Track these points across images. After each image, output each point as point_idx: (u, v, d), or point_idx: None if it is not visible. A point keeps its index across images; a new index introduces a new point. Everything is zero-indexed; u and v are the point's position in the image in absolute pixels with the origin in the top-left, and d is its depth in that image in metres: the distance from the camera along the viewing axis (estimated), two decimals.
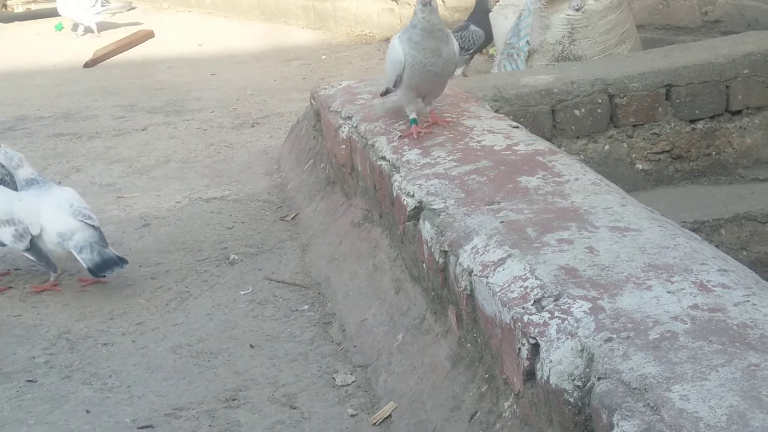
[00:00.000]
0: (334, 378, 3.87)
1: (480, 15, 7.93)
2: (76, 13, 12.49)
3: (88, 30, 12.54)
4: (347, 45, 11.12)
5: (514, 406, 2.93)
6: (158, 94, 9.27)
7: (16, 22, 13.79)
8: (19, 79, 10.41)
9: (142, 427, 3.63)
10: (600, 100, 5.55)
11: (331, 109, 5.37)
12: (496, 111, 5.14)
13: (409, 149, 4.33)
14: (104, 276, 4.74)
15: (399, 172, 4.15)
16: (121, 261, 4.70)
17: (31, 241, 4.73)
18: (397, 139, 4.44)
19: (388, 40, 10.89)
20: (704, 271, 2.86)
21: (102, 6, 12.42)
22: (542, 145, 4.29)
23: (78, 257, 4.65)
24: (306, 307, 4.52)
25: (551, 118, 5.53)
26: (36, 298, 4.79)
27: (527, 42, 7.07)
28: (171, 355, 4.17)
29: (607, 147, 5.58)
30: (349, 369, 3.92)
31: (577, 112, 5.53)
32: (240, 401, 3.76)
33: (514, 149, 4.20)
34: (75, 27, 12.72)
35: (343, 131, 5.01)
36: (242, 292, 4.72)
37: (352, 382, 3.82)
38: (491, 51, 8.48)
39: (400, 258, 4.15)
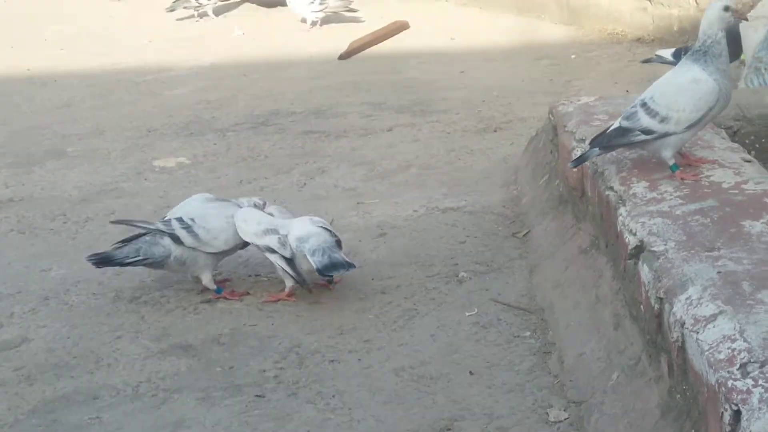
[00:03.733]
0: (547, 413, 3.91)
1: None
2: (297, 6, 12.95)
3: (313, 24, 12.89)
4: (598, 43, 11.03)
5: None
6: (407, 92, 9.40)
7: (279, 7, 14.05)
8: (276, 70, 10.70)
9: None
10: None
11: (566, 129, 5.38)
12: (735, 131, 5.07)
13: (638, 181, 4.33)
14: (330, 276, 4.96)
15: (625, 205, 4.16)
16: (348, 265, 4.89)
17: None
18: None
19: (639, 40, 10.80)
20: None
21: (320, 4, 12.75)
22: None
23: (310, 259, 4.84)
24: (528, 333, 4.57)
25: None
26: (271, 308, 4.99)
27: None
28: (393, 378, 4.28)
29: None
30: (564, 404, 3.95)
31: None
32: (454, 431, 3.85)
33: (741, 188, 4.14)
34: (304, 20, 13.03)
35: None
36: (467, 314, 4.80)
37: (565, 419, 3.85)
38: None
39: (622, 292, 4.15)
